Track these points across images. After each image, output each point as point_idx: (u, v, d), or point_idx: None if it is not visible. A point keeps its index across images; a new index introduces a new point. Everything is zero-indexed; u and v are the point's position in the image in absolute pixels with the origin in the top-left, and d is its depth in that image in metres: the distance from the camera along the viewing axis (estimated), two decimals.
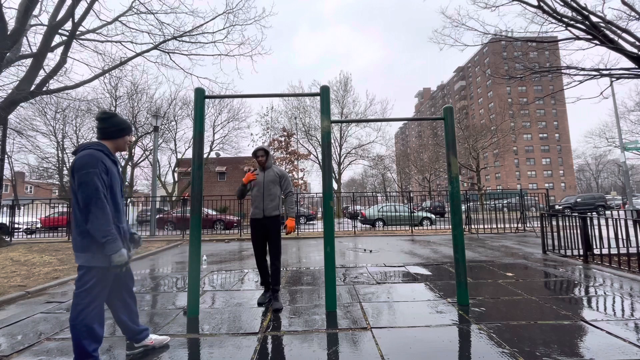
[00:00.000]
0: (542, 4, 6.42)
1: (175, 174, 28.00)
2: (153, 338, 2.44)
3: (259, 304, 3.46)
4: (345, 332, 2.72)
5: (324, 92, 3.53)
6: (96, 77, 7.54)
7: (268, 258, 3.52)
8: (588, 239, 5.44)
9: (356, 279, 4.59)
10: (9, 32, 5.11)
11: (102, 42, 7.66)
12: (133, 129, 1.96)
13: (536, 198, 16.64)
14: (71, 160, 25.31)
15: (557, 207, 23.60)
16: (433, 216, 15.34)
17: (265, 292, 3.57)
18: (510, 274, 4.67)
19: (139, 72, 40.56)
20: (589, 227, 5.46)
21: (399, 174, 49.70)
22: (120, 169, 2.19)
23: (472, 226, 11.35)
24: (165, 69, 15.76)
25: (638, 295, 3.53)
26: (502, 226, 10.95)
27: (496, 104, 58.43)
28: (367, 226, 14.87)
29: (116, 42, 7.78)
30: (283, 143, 17.04)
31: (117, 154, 2.27)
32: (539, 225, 7.11)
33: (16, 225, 12.88)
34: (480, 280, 4.38)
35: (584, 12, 6.10)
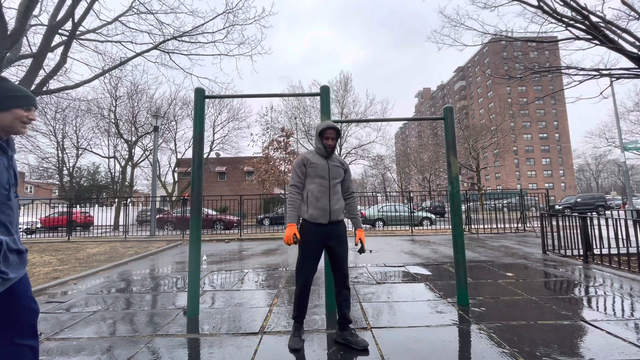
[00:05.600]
0: (542, 4, 6.42)
1: (175, 174, 27.99)
2: None
3: (293, 350, 2.38)
4: None
5: (324, 92, 3.53)
6: (96, 77, 7.54)
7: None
8: (588, 239, 5.44)
9: (356, 279, 4.59)
10: (9, 32, 5.11)
11: (102, 42, 7.66)
12: (35, 101, 1.44)
13: (536, 198, 16.65)
14: (70, 160, 25.22)
15: (557, 207, 23.61)
16: (433, 216, 15.34)
17: (297, 331, 2.49)
18: (510, 274, 4.67)
19: (139, 72, 40.58)
20: (589, 227, 5.46)
21: (399, 174, 49.72)
22: (10, 158, 1.48)
23: (472, 226, 11.35)
24: (165, 69, 15.77)
25: (638, 295, 3.53)
26: (502, 226, 10.95)
27: (496, 104, 58.45)
28: (367, 226, 14.86)
29: (116, 42, 7.78)
30: (282, 143, 16.98)
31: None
32: (539, 225, 7.11)
33: None
34: (480, 280, 4.38)
35: (584, 12, 6.10)
